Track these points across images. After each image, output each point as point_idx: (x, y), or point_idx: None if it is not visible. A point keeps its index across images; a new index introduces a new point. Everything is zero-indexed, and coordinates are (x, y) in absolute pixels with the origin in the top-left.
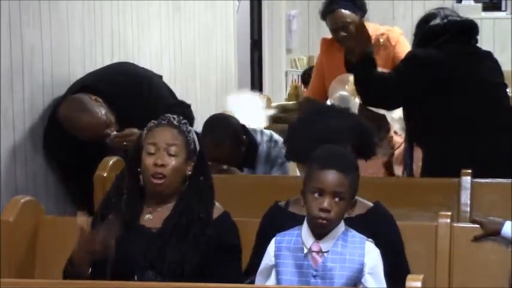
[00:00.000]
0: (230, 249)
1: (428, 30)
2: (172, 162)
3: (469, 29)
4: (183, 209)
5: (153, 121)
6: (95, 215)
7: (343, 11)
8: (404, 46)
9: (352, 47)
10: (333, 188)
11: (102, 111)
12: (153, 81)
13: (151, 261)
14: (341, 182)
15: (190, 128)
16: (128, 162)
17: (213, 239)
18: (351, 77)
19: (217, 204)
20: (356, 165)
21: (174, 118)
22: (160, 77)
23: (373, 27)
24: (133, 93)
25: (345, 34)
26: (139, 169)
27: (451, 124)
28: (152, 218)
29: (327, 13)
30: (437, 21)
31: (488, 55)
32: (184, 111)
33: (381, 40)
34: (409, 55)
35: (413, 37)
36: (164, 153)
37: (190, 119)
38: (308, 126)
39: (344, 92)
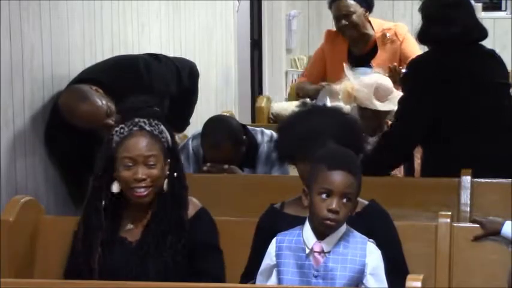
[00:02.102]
0: (207, 247)
1: (446, 35)
2: (153, 173)
3: (483, 38)
4: (162, 215)
5: (122, 126)
6: (79, 230)
7: (348, 0)
8: (410, 43)
9: (353, 37)
10: (341, 189)
11: (102, 101)
12: (150, 63)
13: (135, 276)
14: (349, 183)
15: (161, 127)
16: (101, 170)
17: (190, 239)
18: (338, 86)
19: (194, 200)
20: (360, 165)
21: (145, 123)
22: (161, 60)
23: (379, 23)
24: (134, 81)
25: (346, 23)
26: (114, 175)
27: (454, 124)
28: (133, 227)
29: (333, 1)
30: (456, 25)
31: (492, 54)
32: (150, 111)
33: (388, 34)
34: (416, 64)
35: (424, 17)
36: (143, 166)
37: (159, 118)
38: (291, 127)
39: (338, 103)
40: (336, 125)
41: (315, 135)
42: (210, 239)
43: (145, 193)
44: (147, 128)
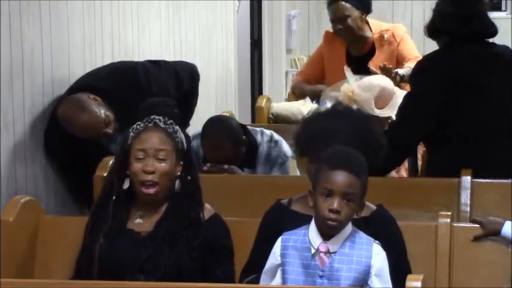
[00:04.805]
0: (221, 249)
1: (459, 28)
2: (162, 167)
3: (492, 36)
4: (175, 212)
5: (138, 123)
6: (88, 222)
7: (343, 3)
8: (408, 45)
9: (348, 40)
10: (342, 189)
11: (100, 110)
12: (149, 69)
13: (142, 265)
14: (351, 183)
15: (176, 127)
16: (116, 165)
17: (204, 240)
18: (342, 87)
19: (207, 205)
20: (366, 166)
21: (160, 120)
22: (157, 63)
23: (377, 24)
24: (133, 88)
25: (341, 27)
26: (127, 172)
27: (456, 124)
28: (143, 222)
29: (329, 4)
30: (467, 21)
31: (502, 53)
32: (166, 110)
33: (385, 36)
34: (423, 63)
35: (436, 12)
36: (153, 159)
37: (174, 119)
38: (310, 124)
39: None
40: (348, 129)
41: (325, 137)
42: (224, 241)
43: (152, 191)
44: (162, 125)
